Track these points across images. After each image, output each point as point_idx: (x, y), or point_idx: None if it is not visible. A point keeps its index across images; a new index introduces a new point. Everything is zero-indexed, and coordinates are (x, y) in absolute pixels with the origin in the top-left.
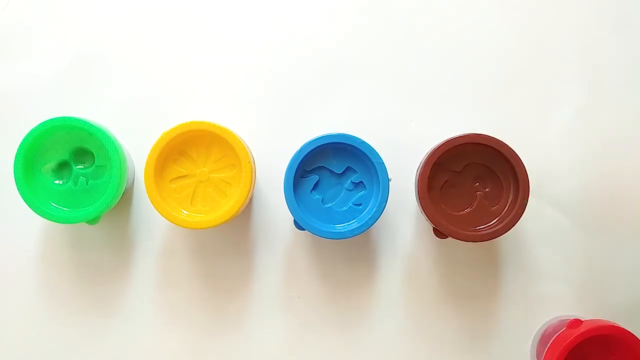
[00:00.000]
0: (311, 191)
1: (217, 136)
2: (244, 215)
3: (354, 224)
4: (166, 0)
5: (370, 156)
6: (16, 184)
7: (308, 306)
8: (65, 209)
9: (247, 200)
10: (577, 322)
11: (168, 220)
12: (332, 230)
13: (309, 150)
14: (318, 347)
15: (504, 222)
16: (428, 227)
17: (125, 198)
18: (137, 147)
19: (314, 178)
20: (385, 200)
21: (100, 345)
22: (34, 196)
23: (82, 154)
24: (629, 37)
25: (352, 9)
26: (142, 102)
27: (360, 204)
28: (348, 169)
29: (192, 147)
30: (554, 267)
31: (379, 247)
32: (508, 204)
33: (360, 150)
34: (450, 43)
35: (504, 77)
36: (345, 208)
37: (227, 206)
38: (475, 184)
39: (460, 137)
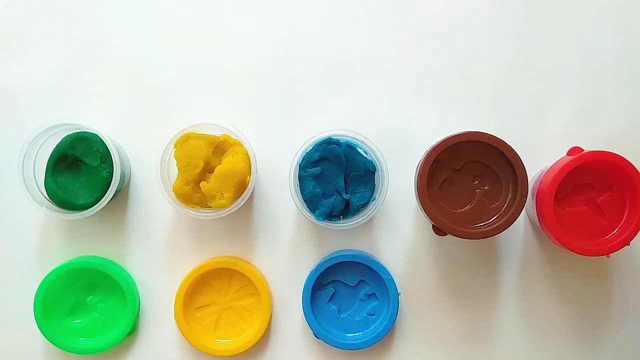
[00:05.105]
0: (328, 302)
1: (237, 271)
2: (245, 212)
3: (368, 334)
4: (167, 2)
5: (379, 272)
6: (45, 337)
7: None
8: (91, 339)
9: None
10: (577, 149)
11: (196, 349)
12: (348, 342)
13: (324, 268)
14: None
15: (503, 220)
16: (427, 224)
17: (123, 196)
18: (137, 147)
19: (330, 290)
20: (395, 313)
21: None
22: (62, 342)
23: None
24: (629, 37)
25: (354, 9)
26: (143, 102)
27: (373, 314)
28: (361, 281)
29: (214, 278)
30: (552, 265)
31: (378, 244)
32: (507, 202)
33: (371, 268)
34: (450, 42)
35: (504, 76)
36: (359, 318)
37: (251, 333)
38: (474, 181)
39: (459, 134)
